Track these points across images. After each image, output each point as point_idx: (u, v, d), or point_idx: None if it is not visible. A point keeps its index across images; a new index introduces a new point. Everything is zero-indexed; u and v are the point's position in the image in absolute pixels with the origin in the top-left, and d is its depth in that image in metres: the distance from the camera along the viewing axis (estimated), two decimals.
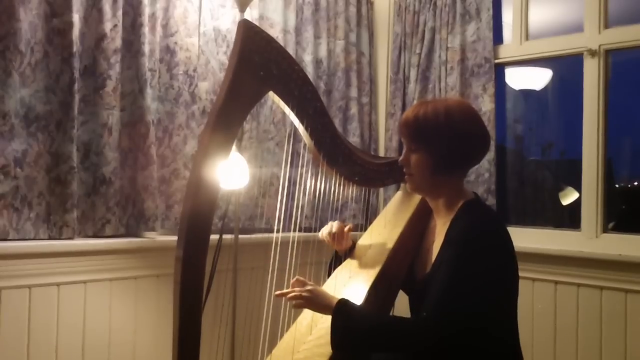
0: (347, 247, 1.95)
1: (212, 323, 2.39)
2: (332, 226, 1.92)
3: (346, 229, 1.92)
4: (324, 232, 1.94)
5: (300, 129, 1.71)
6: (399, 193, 2.07)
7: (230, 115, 1.45)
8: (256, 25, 1.54)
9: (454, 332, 1.51)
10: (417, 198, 1.97)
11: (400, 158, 1.73)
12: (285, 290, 1.66)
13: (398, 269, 1.83)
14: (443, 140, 1.63)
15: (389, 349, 1.59)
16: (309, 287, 1.64)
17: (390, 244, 1.86)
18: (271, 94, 1.58)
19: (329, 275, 1.93)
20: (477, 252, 1.56)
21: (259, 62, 1.51)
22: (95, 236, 2.37)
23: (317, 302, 1.63)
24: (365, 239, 1.98)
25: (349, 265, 1.90)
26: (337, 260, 1.96)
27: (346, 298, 1.64)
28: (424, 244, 1.82)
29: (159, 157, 2.54)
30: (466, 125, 1.65)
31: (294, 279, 1.69)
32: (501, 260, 1.61)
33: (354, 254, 1.94)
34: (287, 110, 1.65)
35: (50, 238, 2.22)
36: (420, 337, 1.53)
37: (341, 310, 1.58)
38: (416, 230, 1.89)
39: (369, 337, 1.58)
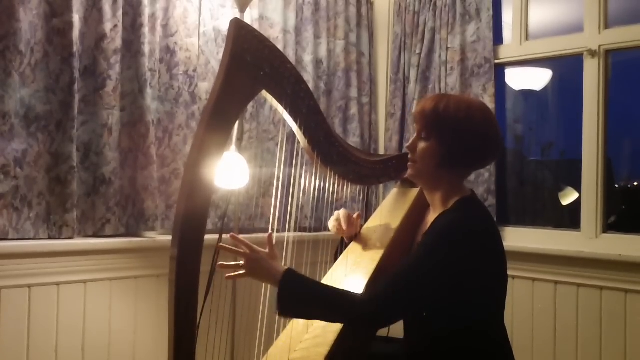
0: (354, 233, 1.99)
1: (211, 322, 2.40)
2: (338, 214, 1.98)
3: (355, 215, 1.98)
4: (331, 223, 1.99)
5: (294, 127, 1.70)
6: (395, 190, 2.08)
7: (223, 114, 1.46)
8: (248, 24, 1.54)
9: (392, 315, 1.57)
10: (413, 194, 1.98)
11: (408, 143, 1.71)
12: (230, 263, 1.64)
13: (396, 264, 1.83)
14: (458, 135, 1.62)
15: (328, 312, 1.59)
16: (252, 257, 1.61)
17: (386, 240, 1.87)
18: (264, 92, 1.59)
19: (336, 259, 1.97)
20: (450, 245, 1.55)
21: (251, 61, 1.51)
22: (95, 236, 2.38)
23: (260, 271, 1.60)
24: (362, 236, 1.98)
25: (345, 261, 1.90)
26: (344, 246, 2.00)
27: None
28: (417, 238, 1.83)
29: (159, 157, 2.55)
30: (484, 127, 1.64)
31: (230, 234, 1.66)
32: (477, 260, 1.58)
33: (350, 250, 1.95)
34: (281, 109, 1.65)
35: (50, 238, 2.23)
36: (358, 308, 1.55)
37: (290, 275, 1.57)
38: (413, 226, 1.89)
39: (315, 296, 1.58)
